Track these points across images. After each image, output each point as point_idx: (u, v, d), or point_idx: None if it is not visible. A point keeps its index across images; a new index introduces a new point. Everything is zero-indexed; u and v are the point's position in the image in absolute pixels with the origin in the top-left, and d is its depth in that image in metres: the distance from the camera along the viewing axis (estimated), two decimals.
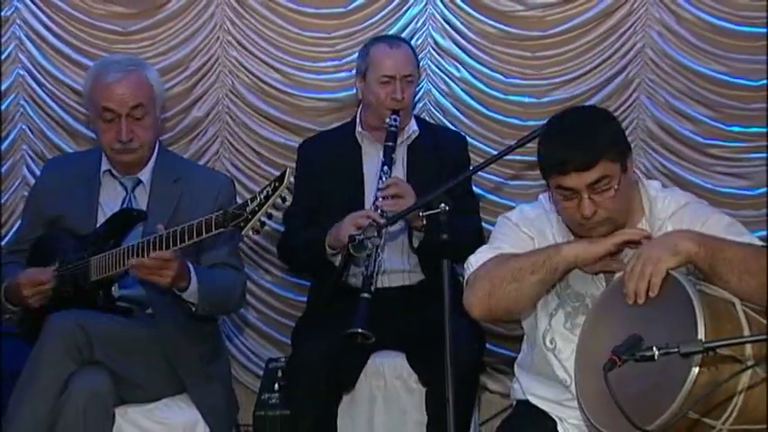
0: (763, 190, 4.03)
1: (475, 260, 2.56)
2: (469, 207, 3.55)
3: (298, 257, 3.62)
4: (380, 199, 3.30)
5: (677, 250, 2.24)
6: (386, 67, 3.46)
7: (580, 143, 2.36)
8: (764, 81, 3.96)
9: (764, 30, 3.94)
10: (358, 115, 3.64)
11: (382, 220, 3.11)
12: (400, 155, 3.56)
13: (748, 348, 2.07)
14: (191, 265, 3.00)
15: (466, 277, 2.56)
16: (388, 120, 3.43)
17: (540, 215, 2.61)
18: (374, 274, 3.27)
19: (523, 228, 2.60)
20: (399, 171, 3.53)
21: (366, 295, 3.21)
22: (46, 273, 3.08)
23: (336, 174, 3.53)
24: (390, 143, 3.42)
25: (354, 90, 3.68)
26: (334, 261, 3.41)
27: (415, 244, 3.43)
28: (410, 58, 3.53)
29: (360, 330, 3.13)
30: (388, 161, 3.39)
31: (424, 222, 3.26)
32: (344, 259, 3.30)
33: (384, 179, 3.36)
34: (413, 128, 3.59)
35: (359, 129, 3.59)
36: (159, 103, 3.24)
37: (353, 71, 3.68)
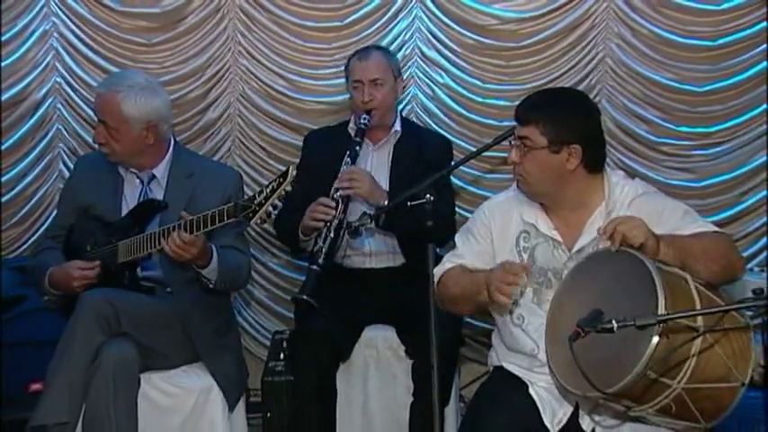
0: (708, 182, 4.07)
1: (438, 270, 2.63)
2: (442, 196, 3.48)
3: (286, 239, 3.59)
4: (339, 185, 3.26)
5: (655, 241, 2.23)
6: (355, 74, 3.46)
7: (530, 103, 2.50)
8: (709, 86, 3.98)
9: (708, 42, 3.95)
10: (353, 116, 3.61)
11: (333, 203, 3.19)
12: (386, 153, 3.52)
13: (700, 318, 2.09)
14: (214, 247, 2.99)
15: (435, 280, 2.60)
16: (359, 119, 3.41)
17: (510, 198, 2.65)
18: (322, 250, 3.17)
19: (488, 213, 2.65)
20: (385, 167, 3.49)
21: (315, 267, 3.15)
22: (95, 269, 3.06)
23: (333, 164, 3.44)
24: (358, 138, 3.38)
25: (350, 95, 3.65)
26: (306, 247, 3.37)
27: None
28: (378, 64, 3.46)
29: (304, 297, 3.08)
30: (353, 154, 3.35)
31: (386, 203, 3.24)
32: (330, 244, 3.20)
33: (346, 168, 3.32)
34: (395, 128, 3.55)
35: (351, 125, 3.56)
36: (138, 123, 3.06)
37: None
